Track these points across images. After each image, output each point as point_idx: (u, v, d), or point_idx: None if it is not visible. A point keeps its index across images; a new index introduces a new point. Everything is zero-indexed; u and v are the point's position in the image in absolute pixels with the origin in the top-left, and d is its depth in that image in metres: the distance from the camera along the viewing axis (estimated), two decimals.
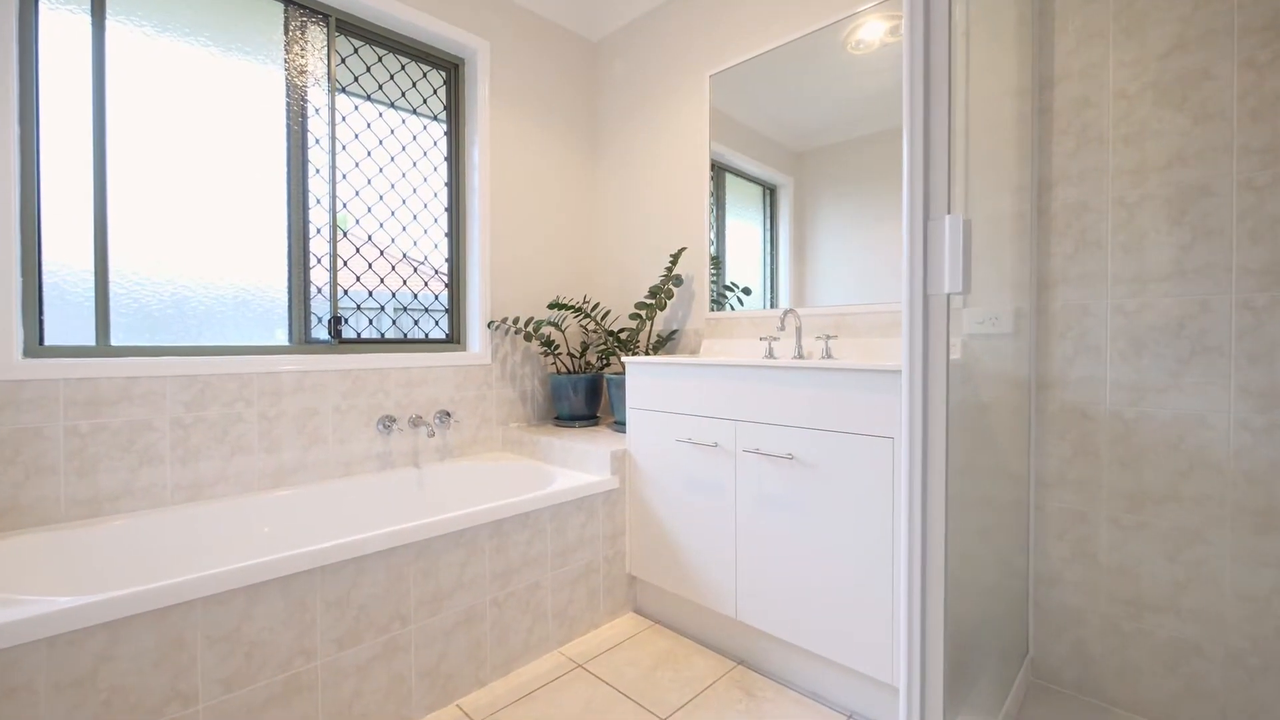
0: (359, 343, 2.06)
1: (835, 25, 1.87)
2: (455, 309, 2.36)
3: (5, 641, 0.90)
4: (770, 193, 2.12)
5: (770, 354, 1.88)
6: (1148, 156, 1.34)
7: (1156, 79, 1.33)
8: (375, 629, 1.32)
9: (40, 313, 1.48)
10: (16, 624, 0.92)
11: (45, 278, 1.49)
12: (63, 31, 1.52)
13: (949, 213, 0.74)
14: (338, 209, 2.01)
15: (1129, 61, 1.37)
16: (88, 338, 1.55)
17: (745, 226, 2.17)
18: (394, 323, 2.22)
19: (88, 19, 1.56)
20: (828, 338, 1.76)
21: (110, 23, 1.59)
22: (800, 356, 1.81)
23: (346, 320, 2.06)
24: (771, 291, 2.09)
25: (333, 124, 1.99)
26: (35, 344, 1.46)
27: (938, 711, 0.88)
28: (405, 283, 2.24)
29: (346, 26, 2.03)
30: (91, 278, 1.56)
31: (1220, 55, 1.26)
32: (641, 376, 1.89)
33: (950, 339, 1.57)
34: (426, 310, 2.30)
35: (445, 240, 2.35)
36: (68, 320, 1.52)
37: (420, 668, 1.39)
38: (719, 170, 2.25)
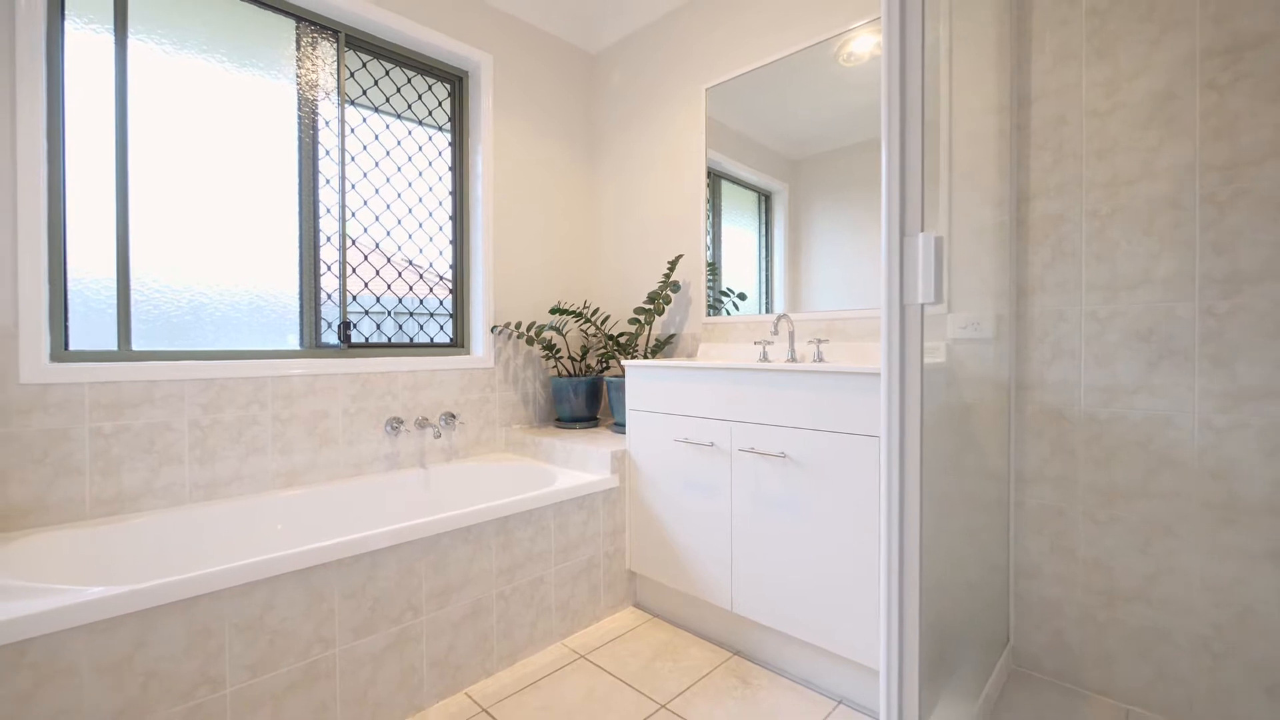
0: (367, 347, 2.13)
1: (828, 41, 1.95)
2: (459, 314, 2.43)
3: (49, 627, 0.97)
4: (765, 199, 2.19)
5: (764, 357, 1.95)
6: (1119, 171, 1.43)
7: (1127, 99, 1.42)
8: (389, 620, 1.38)
9: (66, 319, 1.54)
10: (58, 611, 0.98)
11: (70, 286, 1.56)
12: (87, 50, 1.59)
13: (922, 230, 0.82)
14: (346, 218, 2.08)
15: (1101, 81, 1.45)
16: (110, 343, 1.61)
17: (741, 232, 2.25)
18: (400, 328, 2.29)
19: (110, 38, 1.63)
20: (819, 341, 1.83)
21: (131, 41, 1.66)
22: (793, 360, 1.88)
23: (355, 325, 2.13)
24: (767, 296, 2.16)
25: (342, 136, 2.06)
26: (61, 349, 1.53)
27: (914, 692, 0.95)
28: (411, 289, 2.31)
29: (355, 42, 2.11)
30: (114, 285, 1.62)
31: (1184, 77, 1.34)
32: (640, 379, 1.96)
33: (934, 344, 1.66)
34: (431, 315, 2.37)
35: (450, 247, 2.42)
36: (91, 326, 1.59)
37: (431, 657, 1.46)
38: (715, 177, 2.33)
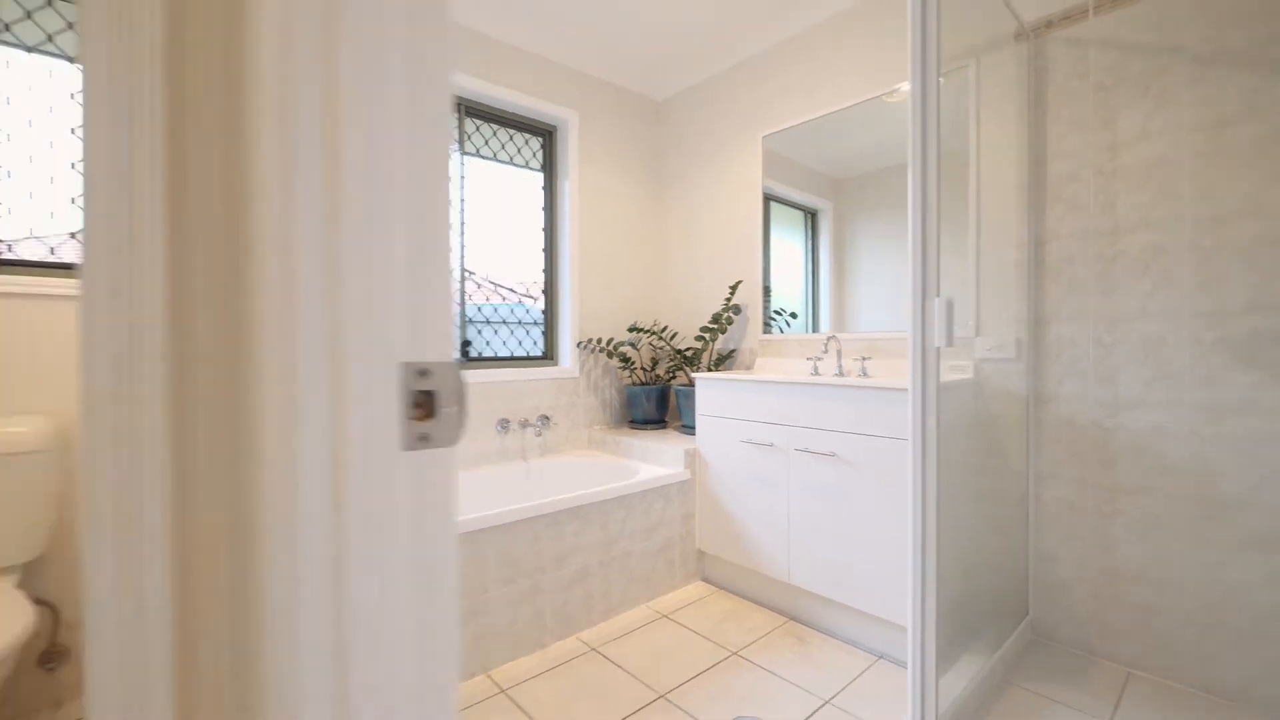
0: (481, 360, 2.58)
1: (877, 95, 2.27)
2: (550, 330, 2.86)
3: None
4: (811, 217, 2.50)
5: (816, 372, 2.29)
6: (1119, 222, 1.70)
7: (1127, 161, 1.69)
8: (523, 575, 1.80)
9: None
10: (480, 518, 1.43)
11: None
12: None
13: (938, 295, 1.16)
14: (464, 253, 2.53)
15: (1105, 146, 1.73)
16: None
17: (787, 246, 2.55)
18: (504, 343, 2.73)
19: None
20: (863, 359, 2.16)
21: None
22: (840, 374, 2.21)
23: (470, 342, 2.58)
24: (813, 315, 2.49)
25: (462, 185, 2.52)
26: None
27: (933, 642, 1.27)
28: (512, 311, 2.75)
29: (472, 110, 2.56)
30: None
31: (1175, 145, 1.61)
32: (709, 389, 2.33)
33: (963, 362, 1.97)
34: (527, 332, 2.81)
35: (542, 275, 2.86)
36: None
37: (551, 607, 1.87)
38: (765, 200, 2.65)
